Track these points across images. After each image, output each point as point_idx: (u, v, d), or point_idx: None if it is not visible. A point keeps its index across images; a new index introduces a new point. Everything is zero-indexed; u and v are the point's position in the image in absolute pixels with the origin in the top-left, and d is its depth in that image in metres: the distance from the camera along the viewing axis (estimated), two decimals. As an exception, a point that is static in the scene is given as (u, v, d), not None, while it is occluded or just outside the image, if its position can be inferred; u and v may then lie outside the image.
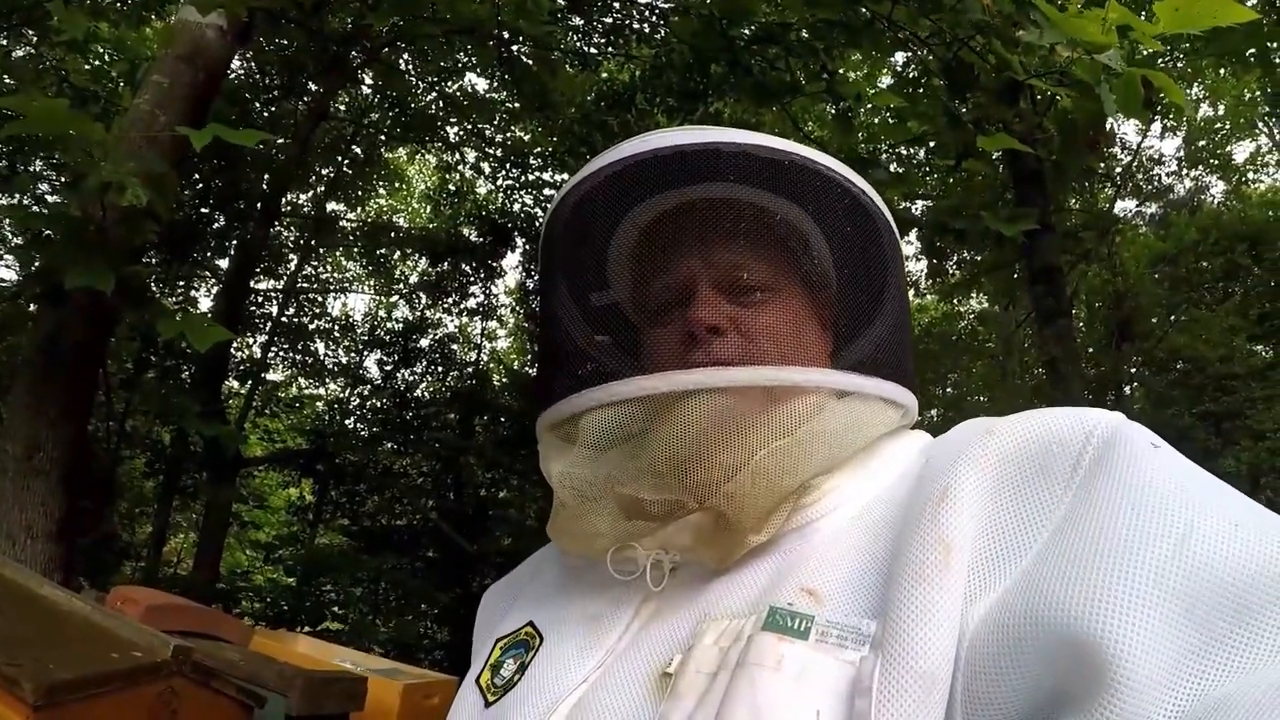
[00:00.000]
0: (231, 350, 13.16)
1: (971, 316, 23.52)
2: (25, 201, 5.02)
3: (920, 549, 0.74)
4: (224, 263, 13.87)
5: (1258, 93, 19.15)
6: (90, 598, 2.55)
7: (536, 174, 15.69)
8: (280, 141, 12.70)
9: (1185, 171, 22.61)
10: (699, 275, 0.99)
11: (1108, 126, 3.21)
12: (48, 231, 4.00)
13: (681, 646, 0.83)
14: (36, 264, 4.07)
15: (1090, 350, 19.22)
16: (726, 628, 0.80)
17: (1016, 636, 0.66)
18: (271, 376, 16.86)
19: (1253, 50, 15.27)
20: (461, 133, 15.63)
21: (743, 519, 0.86)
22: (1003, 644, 0.66)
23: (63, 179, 4.41)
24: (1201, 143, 21.97)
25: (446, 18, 5.23)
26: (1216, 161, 22.35)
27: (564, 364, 1.04)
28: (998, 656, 0.66)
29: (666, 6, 8.69)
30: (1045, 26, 2.85)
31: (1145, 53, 3.04)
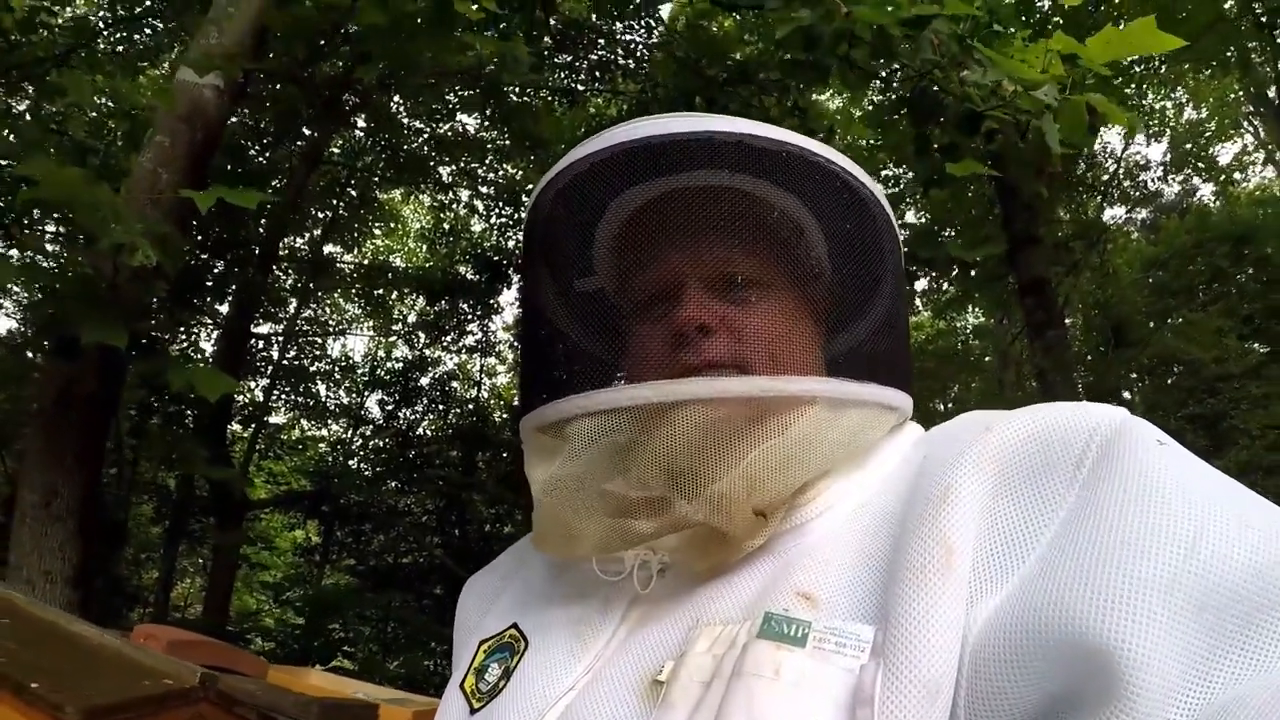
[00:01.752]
0: (234, 395, 13.30)
1: (968, 332, 23.67)
2: (35, 258, 5.20)
3: (921, 551, 0.73)
4: (223, 307, 14.05)
5: (1240, 93, 19.38)
6: (113, 633, 2.72)
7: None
8: (276, 185, 12.92)
9: (1172, 176, 22.73)
10: (688, 270, 0.95)
11: (1055, 152, 3.34)
12: (57, 285, 4.18)
13: (673, 653, 0.81)
14: (48, 317, 4.24)
15: (1088, 358, 19.44)
16: (720, 634, 0.79)
17: (1023, 640, 0.65)
18: (274, 419, 17.07)
19: (1232, 50, 15.52)
20: (453, 173, 15.87)
21: (737, 531, 0.85)
22: (1008, 648, 0.66)
23: (70, 235, 4.60)
24: (1188, 145, 22.12)
25: (434, 65, 5.44)
26: (1202, 164, 22.48)
27: (549, 364, 1.01)
28: (1003, 660, 0.66)
29: (652, 42, 8.92)
30: (987, 65, 3.04)
31: (1091, 80, 3.21)
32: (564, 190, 0.99)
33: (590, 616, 0.92)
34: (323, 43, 5.71)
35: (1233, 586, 0.60)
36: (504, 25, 10.60)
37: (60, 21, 8.39)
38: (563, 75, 12.23)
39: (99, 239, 3.66)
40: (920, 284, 20.02)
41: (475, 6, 3.99)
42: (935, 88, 3.57)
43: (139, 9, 9.44)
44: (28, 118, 8.75)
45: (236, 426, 15.56)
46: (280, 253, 14.09)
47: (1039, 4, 3.17)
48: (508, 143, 13.85)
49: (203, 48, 5.13)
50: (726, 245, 0.94)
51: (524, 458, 0.98)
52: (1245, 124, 22.09)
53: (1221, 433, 14.42)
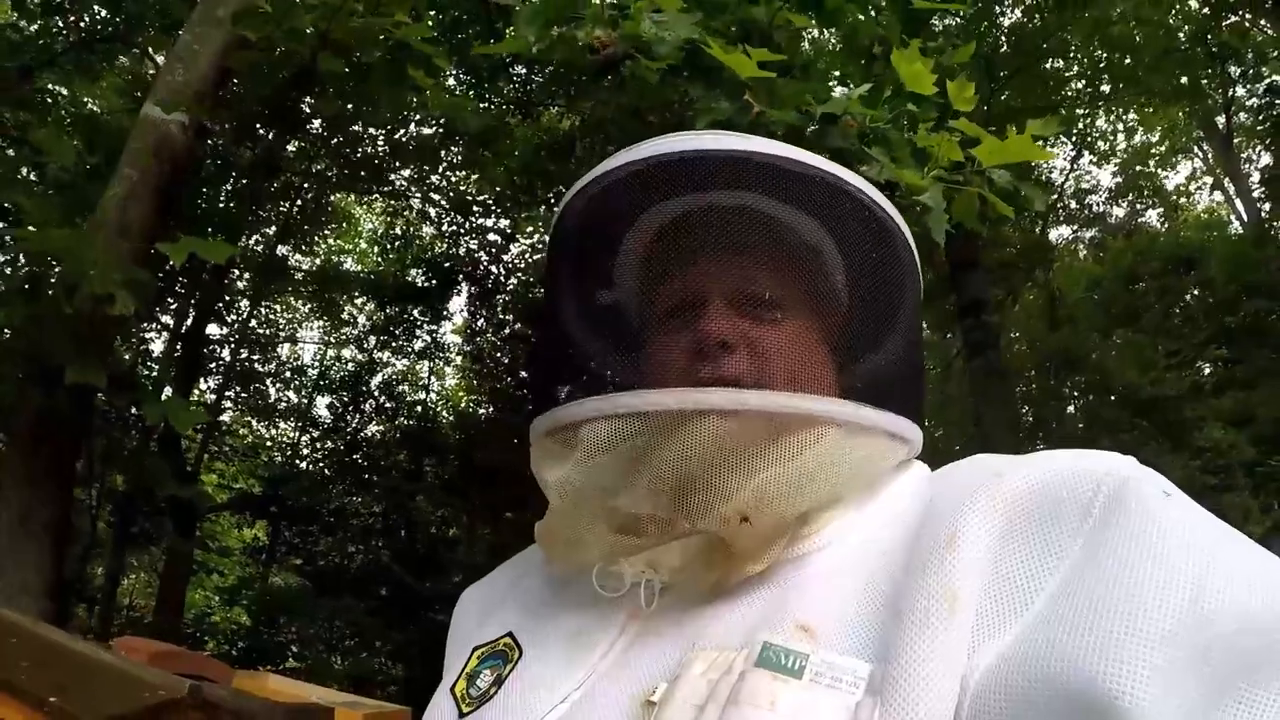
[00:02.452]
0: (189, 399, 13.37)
1: None
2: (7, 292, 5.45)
3: (926, 596, 0.73)
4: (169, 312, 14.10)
5: (1187, 120, 19.71)
6: (101, 646, 3.03)
7: (479, 219, 16.09)
8: (230, 188, 13.04)
9: (1120, 199, 23.23)
10: (713, 286, 0.96)
11: (939, 243, 3.60)
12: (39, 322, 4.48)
13: (667, 674, 0.80)
14: (27, 351, 4.51)
15: (1032, 372, 19.71)
16: (716, 659, 0.78)
17: (1023, 690, 0.65)
18: (224, 418, 17.07)
19: (1183, 78, 15.83)
20: (407, 179, 15.99)
21: (742, 546, 0.85)
22: (1008, 697, 0.66)
23: (42, 275, 4.83)
24: (1137, 168, 22.50)
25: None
26: (1147, 188, 22.98)
27: (566, 366, 1.01)
28: (1004, 708, 0.66)
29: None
30: (883, 163, 3.41)
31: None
32: (598, 197, 1.01)
33: (586, 630, 0.92)
34: (283, 74, 5.93)
35: (1234, 640, 0.60)
36: (460, 36, 10.85)
37: (26, 34, 8.56)
38: (516, 88, 12.46)
39: (80, 288, 3.97)
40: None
41: (424, 73, 4.30)
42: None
43: (96, 29, 9.59)
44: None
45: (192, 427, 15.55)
46: (235, 257, 14.09)
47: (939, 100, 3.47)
48: (460, 152, 13.98)
49: (168, 85, 5.37)
50: (754, 264, 0.96)
51: (532, 458, 0.98)
52: (1195, 149, 22.57)
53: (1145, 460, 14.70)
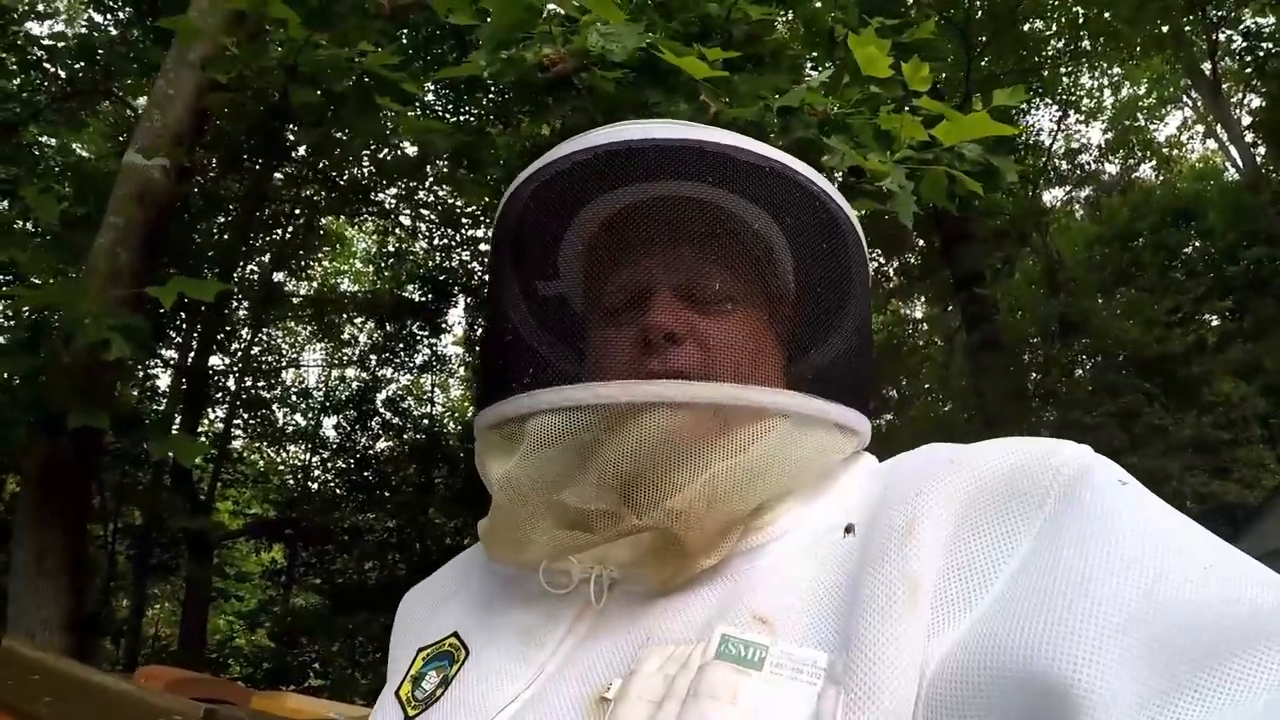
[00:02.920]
0: (197, 430, 13.52)
1: (918, 320, 23.73)
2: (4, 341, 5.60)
3: (886, 584, 0.72)
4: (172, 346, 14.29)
5: (1175, 67, 19.35)
6: (120, 677, 3.16)
7: (469, 231, 16.17)
8: (223, 220, 13.18)
9: (1110, 156, 22.96)
10: (660, 277, 0.94)
11: (908, 226, 3.58)
12: (40, 373, 4.62)
13: (621, 670, 0.78)
14: (32, 400, 4.65)
15: (1035, 340, 19.58)
16: (672, 654, 0.76)
17: (980, 675, 0.65)
18: (234, 445, 17.24)
19: (1164, 25, 15.62)
20: (395, 197, 16.06)
21: (693, 541, 0.83)
22: (966, 683, 0.65)
23: (41, 324, 4.97)
24: (1127, 122, 22.22)
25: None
26: (1136, 141, 22.67)
27: (513, 361, 0.98)
28: (960, 697, 0.65)
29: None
30: (844, 151, 3.47)
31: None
32: (542, 188, 0.98)
33: (535, 627, 0.90)
34: (262, 108, 6.02)
35: (1189, 628, 0.60)
36: (436, 50, 10.89)
37: (8, 89, 8.69)
38: (494, 97, 12.51)
39: (76, 337, 4.12)
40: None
41: (390, 100, 4.40)
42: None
43: (75, 81, 9.74)
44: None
45: (198, 459, 15.68)
46: (232, 286, 14.30)
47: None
48: (446, 168, 14.05)
49: (147, 131, 5.49)
50: (701, 255, 0.94)
51: (476, 454, 0.96)
52: (1184, 98, 22.27)
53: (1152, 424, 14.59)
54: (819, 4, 5.09)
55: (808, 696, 0.69)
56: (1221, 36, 18.29)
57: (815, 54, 5.28)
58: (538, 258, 1.05)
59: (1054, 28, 16.99)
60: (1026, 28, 16.28)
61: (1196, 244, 17.50)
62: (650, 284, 0.94)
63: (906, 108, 3.76)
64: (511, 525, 0.90)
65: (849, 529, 0.84)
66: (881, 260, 20.35)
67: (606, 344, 0.95)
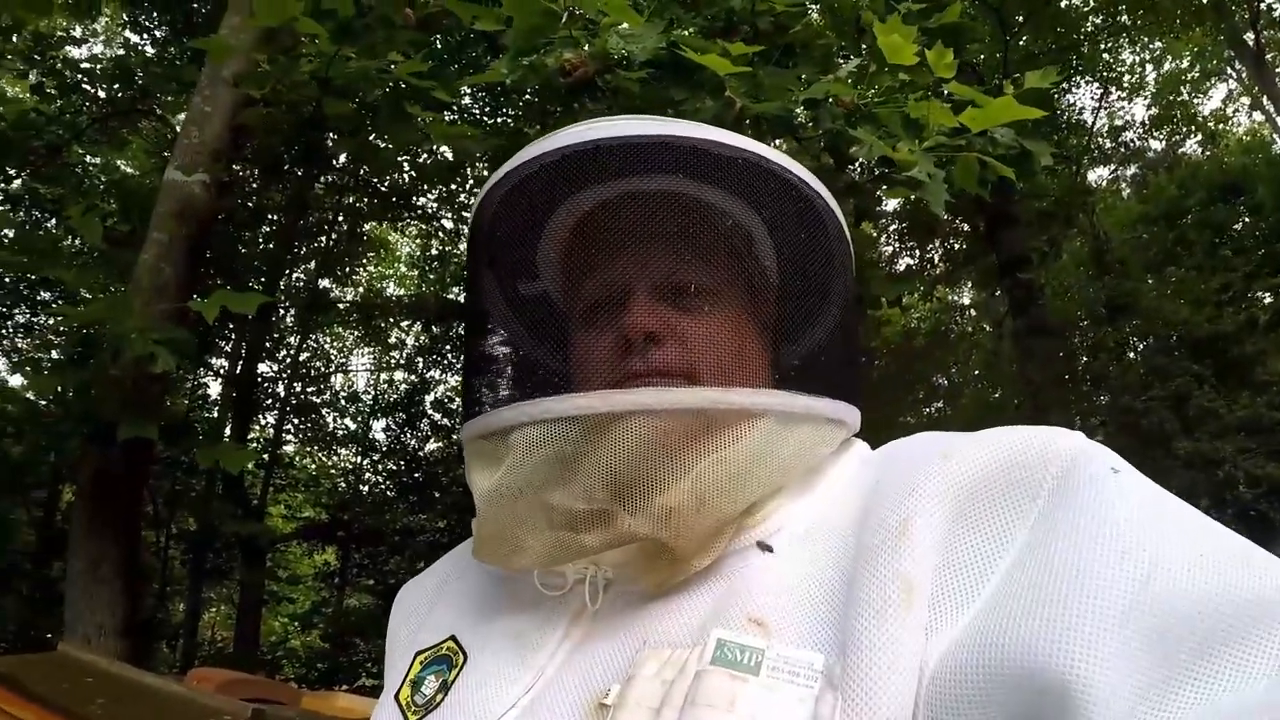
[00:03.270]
0: (247, 436, 13.70)
1: (966, 306, 23.45)
2: (58, 357, 5.77)
3: (881, 584, 0.71)
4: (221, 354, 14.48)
5: (1219, 38, 18.84)
6: (171, 679, 3.25)
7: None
8: (267, 230, 13.34)
9: (1154, 132, 22.36)
10: (637, 276, 0.92)
11: (940, 215, 3.53)
12: (90, 386, 4.75)
13: (619, 675, 0.78)
14: (83, 412, 4.78)
15: (1085, 323, 19.32)
16: (669, 658, 0.76)
17: (979, 673, 0.64)
18: (285, 450, 17.50)
19: None
20: (435, 199, 16.16)
21: (685, 547, 0.82)
22: (966, 681, 0.65)
23: (90, 339, 5.12)
24: (1171, 97, 21.63)
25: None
26: (1180, 116, 22.07)
27: (493, 370, 0.98)
28: (960, 695, 0.65)
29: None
30: (871, 142, 3.46)
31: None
32: (512, 192, 0.97)
33: (531, 631, 0.89)
34: (298, 121, 6.10)
35: (1186, 617, 0.60)
36: (471, 54, 10.94)
37: (50, 112, 8.86)
38: (530, 98, 12.53)
39: (123, 352, 4.23)
40: (905, 263, 20.24)
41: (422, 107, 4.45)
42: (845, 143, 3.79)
43: (114, 102, 9.92)
44: (26, 199, 9.31)
45: (250, 465, 15.90)
46: (279, 295, 14.48)
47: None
48: (485, 169, 14.07)
49: (186, 148, 5.61)
50: (677, 252, 0.92)
51: (465, 465, 0.95)
52: (1228, 70, 21.66)
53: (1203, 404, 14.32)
54: (841, -7, 5.06)
55: (805, 700, 0.68)
56: (1263, 5, 17.81)
57: (844, 43, 5.25)
58: (513, 262, 1.03)
59: (1091, 3, 16.72)
60: (1064, 4, 16.00)
61: (1246, 219, 16.97)
62: (627, 283, 0.92)
63: (936, 94, 3.73)
64: (499, 534, 0.89)
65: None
66: (922, 249, 20.16)
67: (587, 347, 0.93)
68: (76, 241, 7.17)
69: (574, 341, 0.96)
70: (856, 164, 4.08)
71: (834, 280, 0.98)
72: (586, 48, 3.53)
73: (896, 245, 20.26)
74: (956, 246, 20.02)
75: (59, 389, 5.01)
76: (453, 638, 0.96)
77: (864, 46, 4.36)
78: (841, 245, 0.99)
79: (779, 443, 0.85)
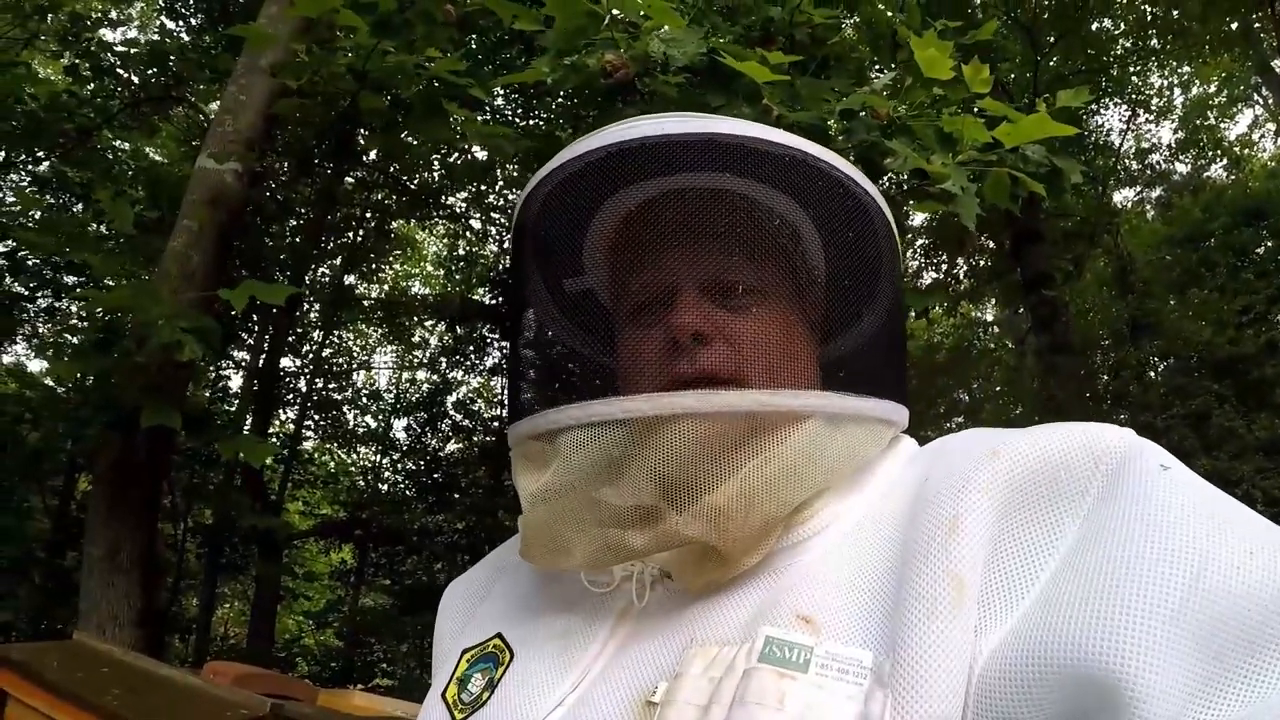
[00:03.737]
0: (268, 431, 13.74)
1: (989, 322, 23.50)
2: (80, 342, 5.77)
3: (931, 583, 0.71)
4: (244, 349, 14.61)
5: (1246, 64, 19.00)
6: (187, 671, 3.23)
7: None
8: (295, 223, 13.39)
9: (1180, 155, 22.46)
10: (684, 275, 0.91)
11: (970, 228, 3.53)
12: (111, 374, 4.75)
13: (666, 673, 0.77)
14: (105, 398, 4.77)
15: (1107, 341, 19.41)
16: (716, 656, 0.75)
17: (1029, 670, 0.64)
18: (305, 446, 17.54)
19: (1234, 23, 15.40)
20: (465, 199, 16.19)
21: (733, 548, 0.81)
22: (1015, 678, 0.64)
23: (115, 326, 5.12)
24: (1197, 121, 21.73)
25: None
26: (1206, 140, 22.18)
27: (539, 372, 0.98)
28: (1009, 693, 0.64)
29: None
30: (906, 154, 3.44)
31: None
32: (558, 189, 0.96)
33: (577, 629, 0.89)
34: (332, 113, 6.11)
35: (1237, 614, 0.60)
36: (505, 55, 10.96)
37: (83, 95, 8.89)
38: (563, 102, 12.57)
39: (149, 338, 4.22)
40: (930, 277, 20.27)
41: (458, 104, 4.44)
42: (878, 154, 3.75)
43: (147, 87, 9.94)
44: (54, 183, 9.34)
45: (269, 459, 15.93)
46: (304, 289, 14.50)
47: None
48: (516, 171, 14.12)
49: (219, 136, 5.62)
50: (724, 251, 0.91)
51: (513, 467, 0.95)
52: (1255, 96, 21.83)
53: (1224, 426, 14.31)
54: (881, 5, 5.05)
55: (854, 697, 0.67)
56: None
57: (878, 57, 5.25)
58: (559, 261, 1.02)
59: (1122, 26, 16.77)
60: (1094, 27, 16.07)
61: (1269, 244, 16.99)
62: (674, 283, 0.91)
63: (970, 110, 3.72)
64: (546, 535, 0.89)
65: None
66: (949, 263, 20.18)
67: (634, 347, 0.93)
68: (103, 227, 7.17)
69: (621, 341, 0.96)
70: (886, 177, 4.06)
71: (881, 279, 0.97)
72: (628, 51, 3.52)
73: (922, 260, 20.26)
74: (981, 263, 20.03)
75: (80, 375, 5.00)
76: (499, 635, 0.96)
77: (896, 63, 4.34)
78: (889, 244, 0.97)
79: (827, 443, 0.84)
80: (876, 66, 5.14)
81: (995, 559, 0.72)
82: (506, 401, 1.05)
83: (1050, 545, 0.71)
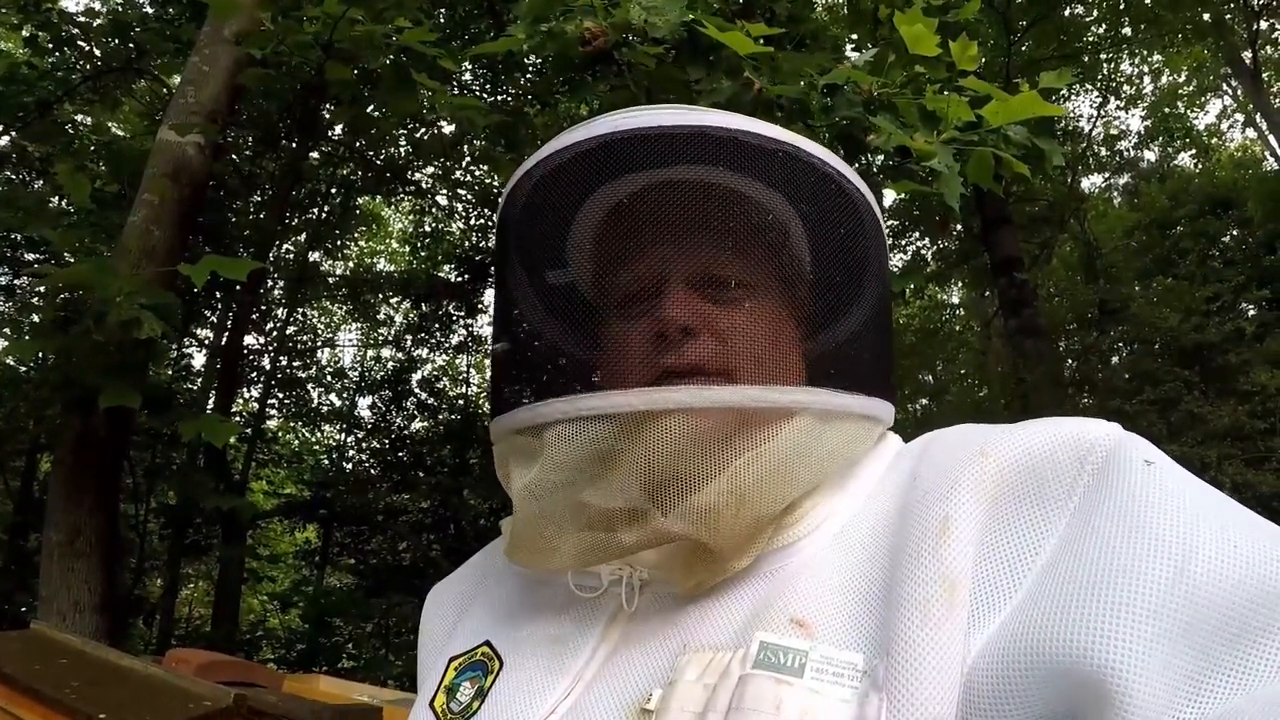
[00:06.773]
0: (231, 410, 13.60)
1: (955, 305, 23.71)
2: (40, 321, 5.62)
3: (923, 585, 0.71)
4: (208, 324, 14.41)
5: (1217, 54, 19.21)
6: (149, 661, 3.14)
7: (508, 211, 16.14)
8: (259, 199, 13.20)
9: (1149, 143, 22.76)
10: (672, 268, 0.91)
11: (954, 210, 3.52)
12: (70, 353, 4.62)
13: (659, 679, 0.77)
14: (63, 377, 4.65)
15: (1073, 326, 19.48)
16: (711, 662, 0.75)
17: (1017, 667, 0.64)
18: (269, 425, 17.35)
19: (1206, 14, 15.59)
20: (431, 176, 16.03)
21: (723, 546, 0.81)
22: (1002, 677, 0.65)
23: (74, 302, 4.98)
24: (1166, 110, 21.93)
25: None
26: (1176, 130, 22.44)
27: (524, 364, 0.94)
28: (997, 690, 0.65)
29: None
30: (889, 131, 3.39)
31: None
32: (544, 181, 0.95)
33: (567, 635, 0.88)
34: (298, 86, 6.00)
35: (1221, 608, 0.60)
36: (473, 30, 10.85)
37: (43, 67, 8.71)
38: (530, 78, 12.47)
39: (108, 316, 4.09)
40: (899, 258, 20.33)
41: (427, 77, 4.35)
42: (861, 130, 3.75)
43: (109, 59, 9.74)
44: (14, 157, 9.15)
45: (233, 439, 15.77)
46: (268, 265, 14.30)
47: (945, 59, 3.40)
48: (483, 146, 14.01)
49: (181, 107, 5.48)
50: (713, 244, 0.90)
51: (495, 460, 0.95)
52: (1224, 87, 22.12)
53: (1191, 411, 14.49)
54: (863, -17, 5.01)
55: (849, 701, 0.68)
56: (1262, 25, 18.20)
57: (856, 35, 5.21)
58: (547, 252, 1.00)
59: (1095, 13, 16.81)
60: (1067, 13, 16.10)
61: (1235, 233, 17.21)
62: (661, 276, 0.91)
63: (951, 88, 3.69)
64: (534, 534, 0.88)
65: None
66: (919, 244, 20.28)
67: (622, 340, 0.91)
68: (63, 202, 7.02)
69: (608, 334, 0.94)
70: (865, 155, 4.02)
71: (870, 275, 0.97)
72: (607, 18, 3.44)
73: (891, 241, 20.34)
74: (948, 246, 20.13)
75: (39, 354, 4.88)
76: (487, 643, 0.95)
77: (881, 39, 4.31)
78: (877, 239, 0.98)
79: (816, 440, 0.85)
80: (852, 46, 5.12)
81: (984, 557, 0.73)
82: (489, 394, 1.02)
83: (1037, 544, 0.72)
